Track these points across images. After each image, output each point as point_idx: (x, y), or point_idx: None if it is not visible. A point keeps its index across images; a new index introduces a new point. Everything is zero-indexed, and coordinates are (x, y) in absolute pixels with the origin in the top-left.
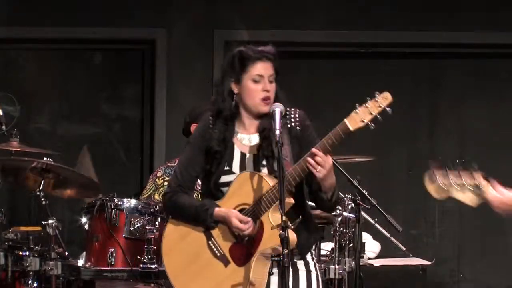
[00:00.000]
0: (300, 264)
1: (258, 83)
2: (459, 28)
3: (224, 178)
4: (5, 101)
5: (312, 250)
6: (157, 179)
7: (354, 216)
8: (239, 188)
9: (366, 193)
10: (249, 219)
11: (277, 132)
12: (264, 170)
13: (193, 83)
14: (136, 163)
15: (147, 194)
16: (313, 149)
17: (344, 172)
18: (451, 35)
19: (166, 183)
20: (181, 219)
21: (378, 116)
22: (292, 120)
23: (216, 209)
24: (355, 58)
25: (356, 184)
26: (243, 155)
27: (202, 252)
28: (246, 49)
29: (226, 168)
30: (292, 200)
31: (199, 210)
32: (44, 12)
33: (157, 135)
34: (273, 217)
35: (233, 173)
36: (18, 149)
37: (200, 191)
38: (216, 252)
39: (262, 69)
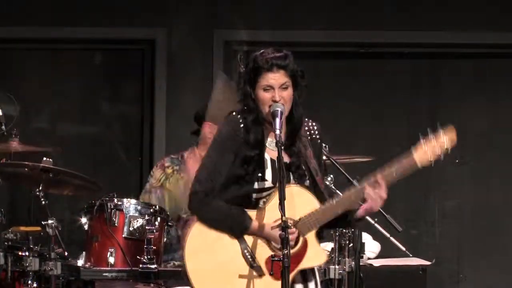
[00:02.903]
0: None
1: (268, 92)
2: (458, 28)
3: (256, 185)
4: (4, 101)
5: None
6: (166, 169)
7: None
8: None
9: None
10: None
11: (277, 132)
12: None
13: (193, 83)
14: (136, 163)
15: (159, 184)
16: (378, 177)
17: (344, 172)
18: (450, 35)
19: (175, 172)
20: (209, 224)
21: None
22: (313, 131)
23: (252, 224)
24: (354, 58)
25: (356, 184)
26: (273, 162)
27: (235, 260)
28: (260, 57)
29: (259, 174)
30: None
31: (232, 221)
32: (43, 12)
33: (157, 135)
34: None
35: (266, 180)
36: (18, 149)
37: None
38: (251, 262)
39: (271, 79)
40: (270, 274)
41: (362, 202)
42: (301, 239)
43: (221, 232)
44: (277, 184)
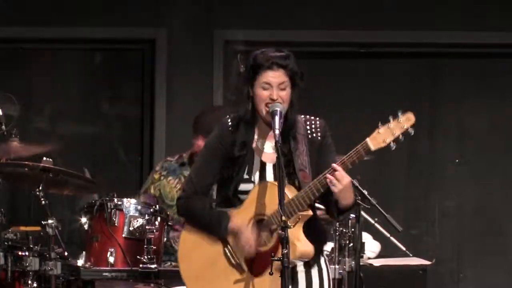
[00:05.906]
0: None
1: (266, 90)
2: (458, 28)
3: (243, 187)
4: (4, 101)
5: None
6: (154, 174)
7: (354, 216)
8: (258, 197)
9: (366, 192)
10: (250, 242)
11: (277, 132)
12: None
13: (193, 82)
14: (136, 163)
15: (144, 189)
16: (334, 165)
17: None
18: (451, 35)
19: (162, 178)
20: (194, 226)
21: (400, 136)
22: (313, 129)
23: (230, 223)
24: (354, 58)
25: (356, 184)
26: (263, 164)
27: (218, 259)
28: (261, 55)
29: (246, 176)
30: (310, 212)
31: (213, 221)
32: (43, 12)
33: (157, 135)
34: (290, 230)
35: (253, 182)
36: (18, 150)
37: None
38: (232, 260)
39: (270, 77)
40: (274, 274)
41: (323, 189)
42: (274, 235)
43: (204, 232)
44: (271, 184)
